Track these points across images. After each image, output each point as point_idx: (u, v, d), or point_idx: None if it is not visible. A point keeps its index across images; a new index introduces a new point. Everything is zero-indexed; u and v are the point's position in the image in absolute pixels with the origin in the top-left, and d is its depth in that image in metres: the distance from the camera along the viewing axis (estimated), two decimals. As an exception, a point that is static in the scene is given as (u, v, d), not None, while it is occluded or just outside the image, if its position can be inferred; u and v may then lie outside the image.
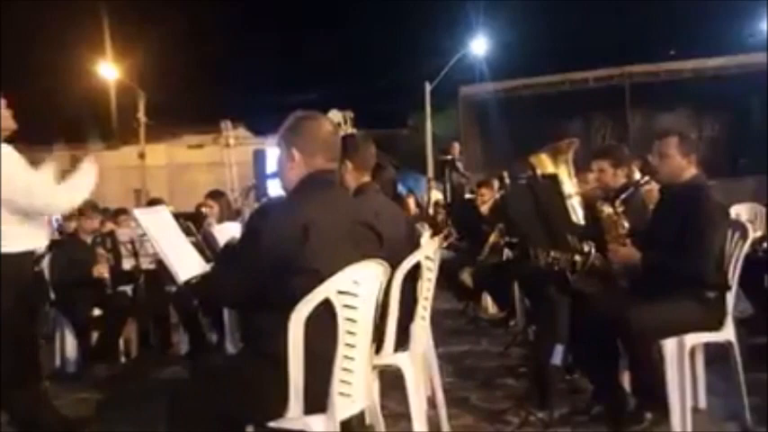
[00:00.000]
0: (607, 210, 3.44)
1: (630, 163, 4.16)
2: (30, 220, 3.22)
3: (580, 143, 4.41)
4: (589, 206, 3.90)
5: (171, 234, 3.02)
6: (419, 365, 3.13)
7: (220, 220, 5.05)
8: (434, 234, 5.24)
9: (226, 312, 4.47)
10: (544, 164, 4.31)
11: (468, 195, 10.27)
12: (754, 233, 3.21)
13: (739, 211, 5.41)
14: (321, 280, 2.11)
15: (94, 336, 5.04)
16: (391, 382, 2.97)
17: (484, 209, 6.25)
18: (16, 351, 3.25)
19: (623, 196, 3.46)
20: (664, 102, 13.80)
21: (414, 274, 2.97)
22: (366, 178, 3.14)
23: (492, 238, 5.64)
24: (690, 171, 3.27)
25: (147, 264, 5.17)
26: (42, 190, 3.18)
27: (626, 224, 3.38)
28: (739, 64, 13.30)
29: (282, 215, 2.25)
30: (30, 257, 3.32)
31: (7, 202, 3.09)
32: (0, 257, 3.09)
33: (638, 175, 4.10)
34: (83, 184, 3.33)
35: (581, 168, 4.34)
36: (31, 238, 3.28)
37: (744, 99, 13.32)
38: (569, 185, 4.22)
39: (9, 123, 3.32)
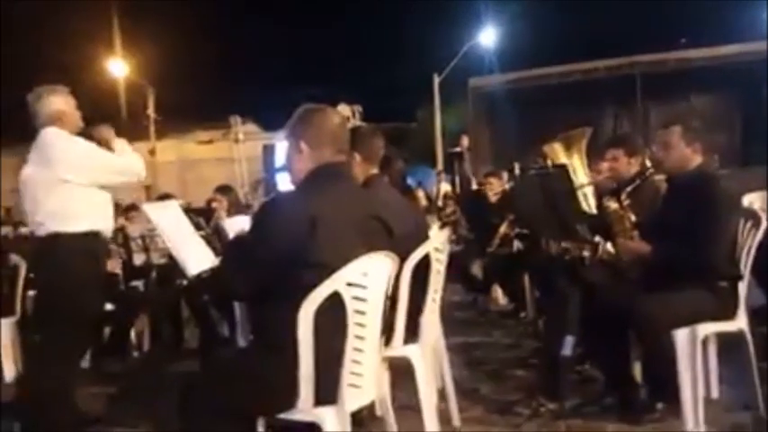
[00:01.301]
0: (613, 205, 3.40)
1: (644, 152, 4.13)
2: (95, 204, 3.35)
3: (592, 133, 4.37)
4: (601, 196, 3.87)
5: (181, 228, 3.04)
6: (429, 357, 3.13)
7: (229, 214, 5.07)
8: (444, 226, 5.23)
9: (237, 306, 4.48)
10: (557, 153, 4.29)
11: (475, 186, 10.25)
12: (766, 221, 3.17)
13: (752, 199, 5.34)
14: (330, 273, 2.10)
15: (106, 331, 5.07)
16: (401, 374, 2.97)
17: (491, 195, 6.24)
18: (77, 327, 3.33)
19: (629, 189, 3.42)
20: (676, 90, 13.65)
21: (423, 265, 2.97)
22: (374, 170, 3.14)
23: (502, 230, 5.63)
24: (695, 160, 3.21)
25: (158, 259, 5.21)
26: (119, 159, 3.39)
27: (632, 217, 3.34)
28: (752, 51, 13.15)
29: (290, 208, 2.25)
30: (98, 238, 3.40)
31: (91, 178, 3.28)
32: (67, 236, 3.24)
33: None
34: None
35: (594, 158, 4.31)
36: (98, 220, 3.38)
37: (757, 87, 13.17)
38: (582, 175, 4.19)
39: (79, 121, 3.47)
